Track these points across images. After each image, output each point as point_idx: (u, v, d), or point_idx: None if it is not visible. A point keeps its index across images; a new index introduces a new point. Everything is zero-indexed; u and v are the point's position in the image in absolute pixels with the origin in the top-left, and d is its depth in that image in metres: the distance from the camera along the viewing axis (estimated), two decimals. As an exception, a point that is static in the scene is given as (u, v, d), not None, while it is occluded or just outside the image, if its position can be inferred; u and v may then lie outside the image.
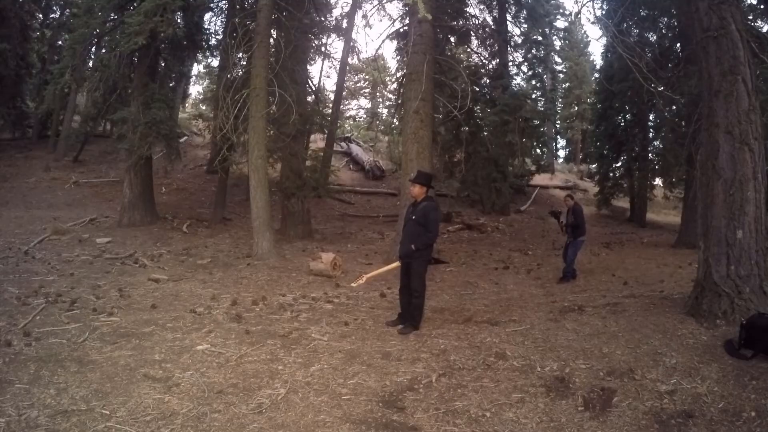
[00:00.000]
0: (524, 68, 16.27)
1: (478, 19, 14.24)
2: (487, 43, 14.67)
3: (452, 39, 13.48)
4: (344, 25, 13.51)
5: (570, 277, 7.50)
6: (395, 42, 13.58)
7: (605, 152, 18.10)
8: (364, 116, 30.23)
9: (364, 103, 31.25)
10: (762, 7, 9.75)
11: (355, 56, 15.83)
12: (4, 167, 15.69)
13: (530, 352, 3.95)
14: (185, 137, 19.58)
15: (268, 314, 5.24)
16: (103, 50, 10.91)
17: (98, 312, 4.93)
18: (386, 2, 13.67)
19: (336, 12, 14.06)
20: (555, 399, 3.20)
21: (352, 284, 5.60)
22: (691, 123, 8.68)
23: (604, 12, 11.57)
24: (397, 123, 15.97)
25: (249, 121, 8.44)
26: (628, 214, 18.10)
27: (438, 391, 3.38)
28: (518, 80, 17.23)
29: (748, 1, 9.64)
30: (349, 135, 23.51)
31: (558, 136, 28.96)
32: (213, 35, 12.69)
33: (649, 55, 8.75)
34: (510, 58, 15.67)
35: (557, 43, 17.97)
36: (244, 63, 9.88)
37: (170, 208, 12.98)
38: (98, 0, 9.42)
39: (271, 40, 9.18)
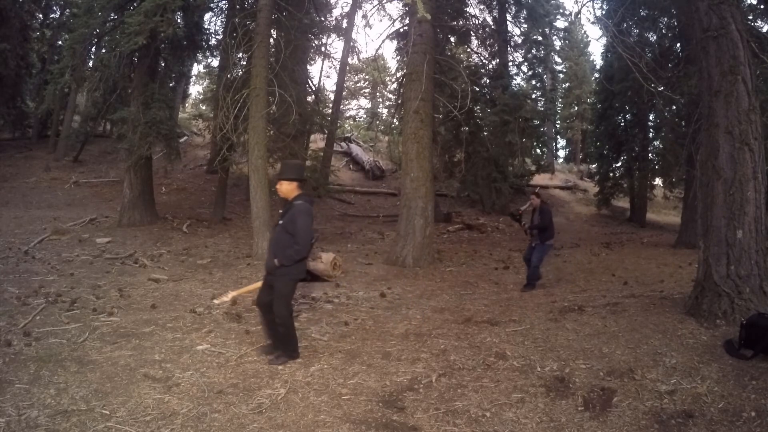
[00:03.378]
0: (524, 68, 16.34)
1: (478, 19, 14.31)
2: (487, 43, 14.73)
3: (452, 39, 13.53)
4: (344, 25, 13.55)
5: (534, 282, 6.67)
6: (395, 42, 13.64)
7: (605, 152, 18.12)
8: (364, 116, 30.23)
9: (364, 103, 31.27)
10: (762, 7, 9.73)
11: (355, 56, 15.91)
12: (4, 167, 15.69)
13: (530, 352, 3.95)
14: (185, 137, 19.61)
15: (268, 314, 5.23)
16: (103, 50, 10.88)
17: (98, 312, 4.92)
18: (386, 2, 13.72)
19: (336, 12, 14.14)
20: (555, 399, 3.20)
21: (215, 301, 5.01)
22: (691, 123, 8.67)
23: (604, 12, 11.56)
24: (397, 123, 15.98)
25: (249, 121, 8.44)
26: (628, 214, 18.09)
27: (438, 391, 3.38)
28: (518, 80, 17.31)
29: (748, 1, 9.63)
30: (349, 135, 23.51)
31: (558, 136, 28.96)
32: (213, 35, 12.70)
33: (649, 55, 8.75)
34: (510, 58, 15.71)
35: (557, 43, 18.00)
36: (244, 63, 9.88)
37: (170, 208, 12.97)
38: (98, 0, 9.42)
39: (271, 40, 9.18)
